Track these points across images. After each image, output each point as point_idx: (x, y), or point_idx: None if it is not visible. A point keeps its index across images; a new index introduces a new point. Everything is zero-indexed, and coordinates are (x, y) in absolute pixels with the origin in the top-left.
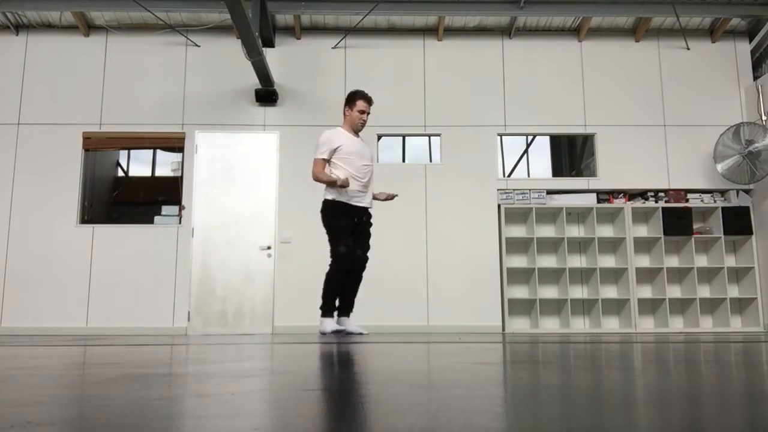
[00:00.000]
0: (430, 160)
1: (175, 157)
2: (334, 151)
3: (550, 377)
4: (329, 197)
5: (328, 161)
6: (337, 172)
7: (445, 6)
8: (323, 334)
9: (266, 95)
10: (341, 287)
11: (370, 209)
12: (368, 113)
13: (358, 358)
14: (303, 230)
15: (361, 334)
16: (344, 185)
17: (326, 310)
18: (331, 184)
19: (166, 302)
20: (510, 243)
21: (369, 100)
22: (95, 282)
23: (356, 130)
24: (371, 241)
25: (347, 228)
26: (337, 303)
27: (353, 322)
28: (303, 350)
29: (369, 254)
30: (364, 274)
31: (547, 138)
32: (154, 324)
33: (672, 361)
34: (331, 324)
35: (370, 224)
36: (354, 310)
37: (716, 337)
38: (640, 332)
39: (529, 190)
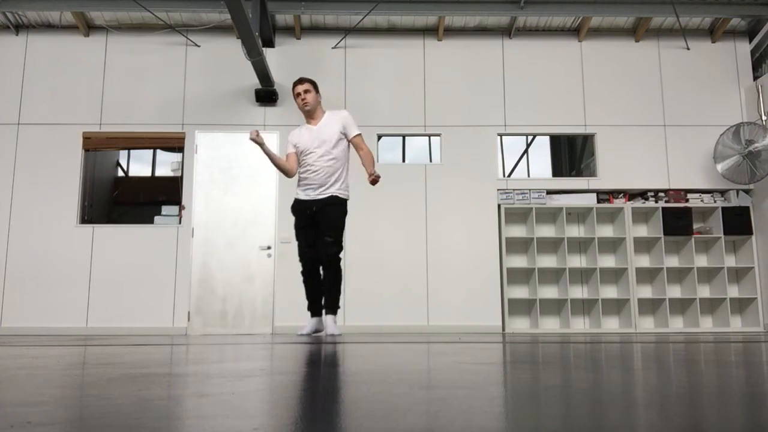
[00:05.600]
0: (430, 160)
1: (175, 157)
2: (295, 146)
3: (550, 377)
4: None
5: (294, 154)
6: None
7: (445, 6)
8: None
9: (266, 95)
10: (305, 287)
11: (324, 198)
12: (302, 92)
13: (358, 358)
14: None
15: (338, 335)
16: (253, 136)
17: (308, 308)
18: (281, 169)
19: (166, 302)
20: (510, 243)
21: (297, 82)
22: (95, 282)
23: (305, 112)
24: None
25: (298, 227)
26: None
27: (330, 321)
28: (303, 350)
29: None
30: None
31: (547, 138)
32: (154, 324)
33: (672, 361)
34: (308, 325)
35: (332, 211)
36: (339, 308)
37: (716, 337)
38: (640, 332)
39: (529, 190)
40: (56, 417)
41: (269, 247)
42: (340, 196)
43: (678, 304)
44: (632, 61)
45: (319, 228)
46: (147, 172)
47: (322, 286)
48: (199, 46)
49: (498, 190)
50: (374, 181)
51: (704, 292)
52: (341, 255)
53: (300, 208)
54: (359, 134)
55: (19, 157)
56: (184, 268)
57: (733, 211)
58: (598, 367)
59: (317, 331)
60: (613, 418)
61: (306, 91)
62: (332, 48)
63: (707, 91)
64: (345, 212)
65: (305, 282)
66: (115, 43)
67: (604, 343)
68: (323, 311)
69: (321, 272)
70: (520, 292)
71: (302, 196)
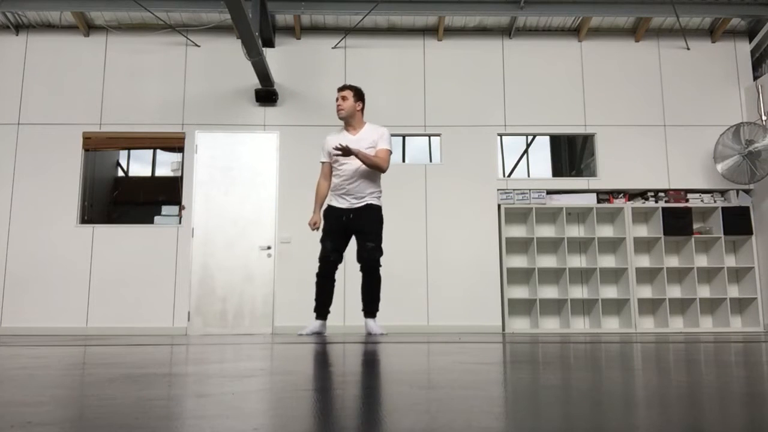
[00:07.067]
0: (430, 160)
1: (175, 157)
2: (328, 153)
3: (550, 377)
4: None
5: (328, 164)
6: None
7: (445, 6)
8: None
9: (266, 95)
10: (317, 290)
11: (360, 207)
12: (339, 98)
13: (358, 358)
14: (303, 230)
15: (381, 334)
16: (310, 225)
17: (314, 309)
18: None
19: (166, 302)
20: (510, 243)
21: (338, 89)
22: (95, 282)
23: (340, 119)
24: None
25: (327, 231)
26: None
27: (372, 323)
28: (303, 350)
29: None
30: (357, 271)
31: (547, 138)
32: (154, 324)
33: (672, 361)
34: (310, 325)
35: (369, 218)
36: (379, 311)
37: (716, 337)
38: (640, 332)
39: (529, 190)
40: (56, 417)
41: (269, 247)
42: (375, 203)
43: (678, 304)
44: (632, 61)
45: (359, 235)
46: (147, 172)
47: (363, 292)
48: (199, 46)
49: (498, 190)
50: (347, 150)
51: (704, 292)
52: (382, 260)
53: (335, 213)
54: (387, 149)
55: (19, 157)
56: (184, 268)
57: (733, 211)
58: (598, 367)
59: (318, 333)
60: (613, 418)
61: (343, 98)
62: (332, 48)
63: (707, 91)
64: (382, 218)
65: (319, 283)
66: (115, 43)
67: (604, 343)
68: (363, 315)
69: (359, 271)
70: (520, 292)
71: (336, 203)
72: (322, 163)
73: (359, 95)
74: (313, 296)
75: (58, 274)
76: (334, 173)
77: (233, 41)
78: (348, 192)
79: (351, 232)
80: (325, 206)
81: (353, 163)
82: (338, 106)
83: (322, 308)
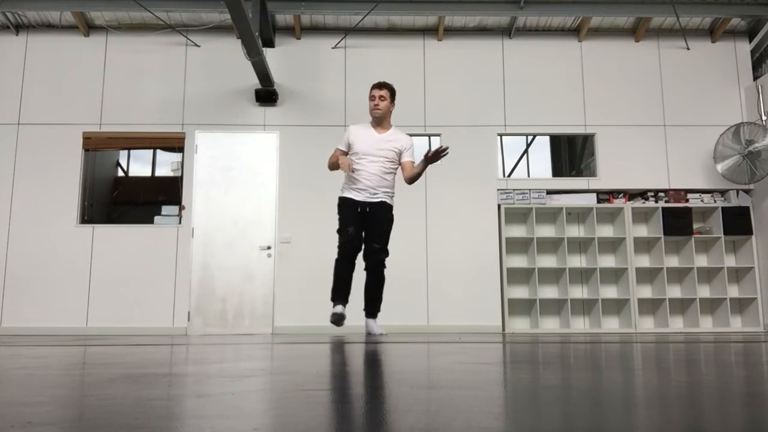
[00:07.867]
0: None
1: (175, 157)
2: (348, 144)
3: (550, 377)
4: (340, 194)
5: (344, 153)
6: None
7: (445, 6)
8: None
9: (266, 95)
10: (338, 275)
11: (376, 202)
12: (377, 96)
13: (358, 358)
14: (303, 230)
15: (381, 334)
16: (344, 167)
17: (332, 297)
18: (334, 167)
19: (166, 302)
20: (510, 243)
21: (376, 85)
22: (95, 282)
23: (373, 117)
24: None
25: (348, 219)
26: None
27: (373, 323)
28: (303, 350)
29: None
30: (358, 271)
31: (547, 138)
32: (154, 324)
33: (672, 361)
34: (335, 310)
35: (382, 217)
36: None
37: (716, 337)
38: (640, 332)
39: (529, 190)
40: (56, 417)
41: (269, 247)
42: (389, 202)
43: (678, 304)
44: (632, 61)
45: (367, 232)
46: (147, 172)
47: (366, 292)
48: (199, 46)
49: (498, 190)
50: (436, 154)
51: (704, 292)
52: (386, 262)
53: (351, 204)
54: (413, 162)
55: (19, 157)
56: (184, 268)
57: (733, 211)
58: (598, 367)
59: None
60: (613, 418)
61: (381, 98)
62: (332, 48)
63: (707, 91)
64: (393, 218)
65: (340, 268)
66: (115, 43)
67: (604, 343)
68: (365, 315)
69: (364, 270)
70: (520, 292)
71: (351, 196)
72: (339, 149)
73: (394, 96)
74: (331, 285)
75: (58, 274)
76: (353, 168)
77: (233, 41)
78: (362, 187)
79: (364, 225)
80: (342, 193)
81: (378, 161)
82: (375, 105)
83: (344, 294)
